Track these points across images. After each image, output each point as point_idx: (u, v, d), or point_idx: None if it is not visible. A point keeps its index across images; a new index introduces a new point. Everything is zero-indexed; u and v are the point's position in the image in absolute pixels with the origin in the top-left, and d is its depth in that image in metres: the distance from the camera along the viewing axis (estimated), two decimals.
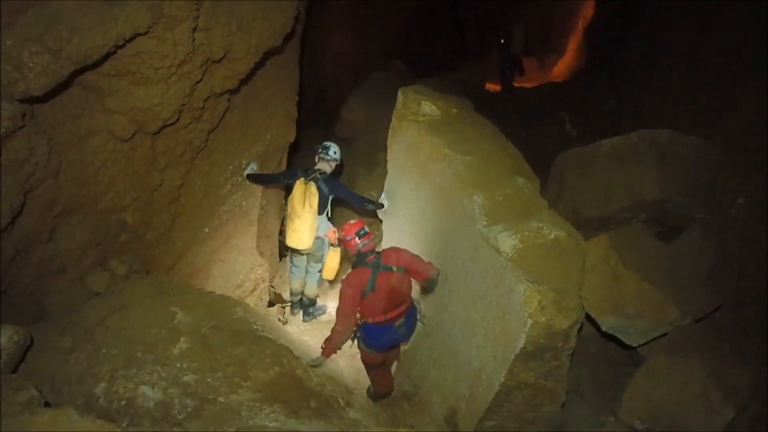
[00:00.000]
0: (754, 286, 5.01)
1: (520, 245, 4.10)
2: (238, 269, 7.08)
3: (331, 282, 6.82)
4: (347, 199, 6.01)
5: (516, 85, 13.86)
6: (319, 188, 5.69)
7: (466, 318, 4.53)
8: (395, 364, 5.54)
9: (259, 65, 5.70)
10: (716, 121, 6.26)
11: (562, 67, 16.66)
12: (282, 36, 5.41)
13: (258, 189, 6.83)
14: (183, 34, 4.43)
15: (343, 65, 12.56)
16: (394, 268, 4.60)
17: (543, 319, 3.85)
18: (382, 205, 6.01)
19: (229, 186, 6.47)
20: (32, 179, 3.95)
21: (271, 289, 7.93)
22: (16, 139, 3.70)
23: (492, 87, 14.42)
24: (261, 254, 7.45)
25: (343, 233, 4.88)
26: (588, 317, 4.68)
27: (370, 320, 4.70)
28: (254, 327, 4.42)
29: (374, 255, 4.72)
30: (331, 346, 4.69)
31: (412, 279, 4.79)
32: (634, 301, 4.57)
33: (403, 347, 5.41)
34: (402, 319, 4.78)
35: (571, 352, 4.16)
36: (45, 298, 4.56)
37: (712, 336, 4.81)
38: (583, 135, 9.69)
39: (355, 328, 4.78)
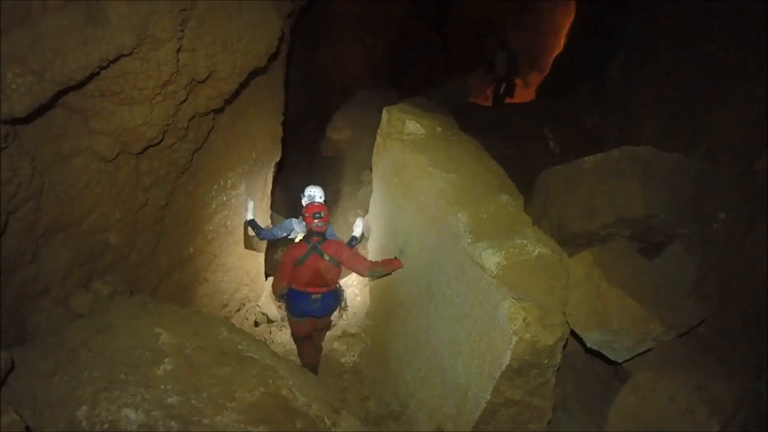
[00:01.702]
0: (737, 299, 5.05)
1: (505, 262, 4.12)
2: (223, 289, 7.06)
3: None
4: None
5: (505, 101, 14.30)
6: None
7: (452, 335, 4.53)
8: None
9: (243, 85, 5.72)
10: (697, 137, 6.33)
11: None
12: (267, 56, 5.44)
13: (243, 208, 6.82)
14: (167, 55, 4.44)
15: (329, 83, 12.62)
16: (326, 257, 5.24)
17: (528, 335, 3.86)
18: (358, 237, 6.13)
19: (214, 205, 6.46)
20: (15, 200, 3.92)
21: (257, 308, 7.90)
22: None
23: (482, 102, 14.91)
24: (247, 273, 7.43)
25: (305, 209, 5.48)
26: (573, 333, 4.70)
27: (293, 286, 5.36)
28: (239, 347, 4.39)
29: (319, 238, 5.32)
30: (274, 293, 5.60)
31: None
32: (619, 317, 4.60)
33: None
34: (319, 296, 5.41)
35: (556, 369, 4.17)
36: (27, 320, 4.51)
37: (697, 350, 4.85)
38: (566, 152, 9.76)
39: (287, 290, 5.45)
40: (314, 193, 5.99)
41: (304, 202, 5.99)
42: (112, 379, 3.78)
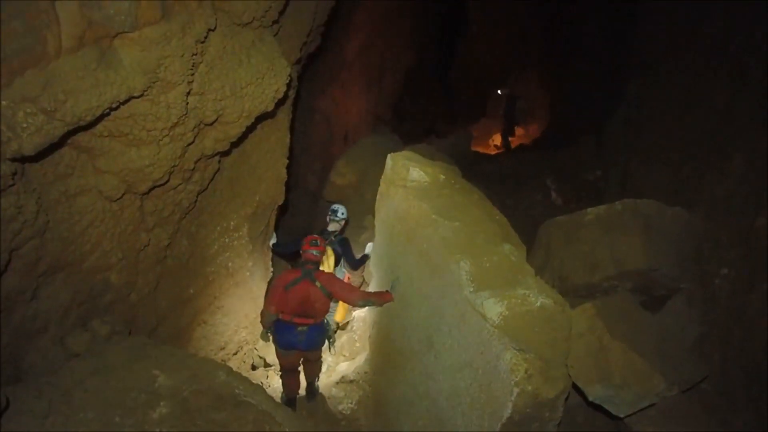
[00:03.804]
0: (739, 356, 5.00)
1: (507, 312, 4.08)
2: (222, 331, 7.00)
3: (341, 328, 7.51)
4: (348, 262, 6.79)
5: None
6: (334, 250, 6.63)
7: (452, 385, 4.47)
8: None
9: (250, 128, 5.78)
10: (698, 193, 6.36)
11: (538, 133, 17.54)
12: (274, 101, 5.51)
13: (245, 250, 6.83)
14: (177, 98, 4.50)
15: (334, 129, 12.77)
16: (318, 285, 5.31)
17: (529, 388, 3.82)
18: (368, 256, 6.73)
19: (216, 247, 6.46)
20: (18, 237, 3.93)
21: (255, 352, 7.83)
22: (4, 198, 3.69)
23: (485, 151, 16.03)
24: (245, 316, 7.39)
25: (304, 240, 5.63)
26: (574, 386, 4.64)
27: (280, 315, 5.41)
28: (236, 391, 4.34)
29: (313, 266, 5.48)
30: (262, 321, 5.62)
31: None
32: (621, 371, 4.55)
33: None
34: (305, 328, 5.44)
35: (557, 423, 4.11)
36: (23, 359, 4.46)
37: (698, 408, 4.79)
38: (568, 203, 9.81)
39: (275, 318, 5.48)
40: (337, 208, 6.90)
41: (328, 218, 6.83)
42: (106, 421, 3.73)
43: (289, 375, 5.93)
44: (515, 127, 16.07)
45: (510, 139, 15.88)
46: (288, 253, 7.22)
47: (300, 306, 5.36)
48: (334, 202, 9.50)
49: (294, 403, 5.99)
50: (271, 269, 7.93)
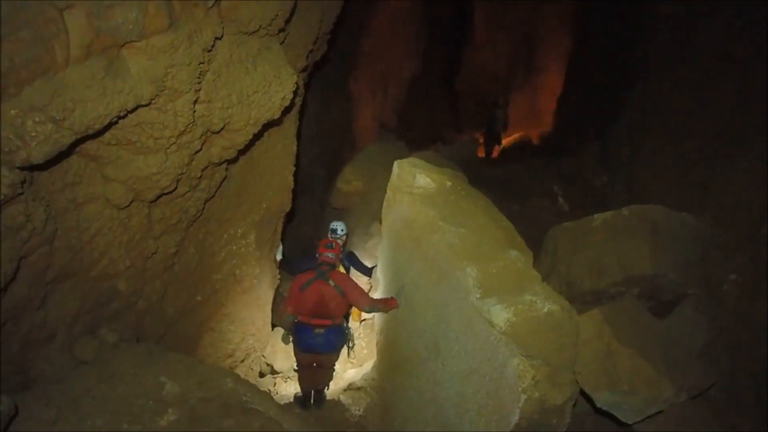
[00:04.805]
0: (747, 362, 4.98)
1: (514, 318, 4.07)
2: (229, 338, 7.01)
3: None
4: (358, 270, 6.84)
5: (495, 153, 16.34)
6: (342, 265, 6.55)
7: (459, 392, 4.46)
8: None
9: (257, 136, 5.80)
10: (706, 198, 6.35)
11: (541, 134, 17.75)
12: (281, 109, 5.52)
13: (252, 258, 6.84)
14: (184, 106, 4.52)
15: (340, 136, 12.79)
16: (332, 283, 5.44)
17: (537, 394, 3.80)
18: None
19: (223, 254, 6.48)
20: (27, 246, 3.95)
21: (263, 359, 7.83)
22: (13, 206, 3.72)
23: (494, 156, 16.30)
24: (252, 324, 7.40)
25: (320, 243, 5.84)
26: (582, 393, 4.62)
27: (298, 317, 5.54)
28: (243, 399, 4.35)
29: (327, 267, 5.62)
30: (280, 323, 5.73)
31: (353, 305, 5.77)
32: (629, 378, 4.52)
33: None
34: (322, 330, 5.54)
35: (565, 429, 4.09)
36: (32, 366, 4.48)
37: (708, 414, 4.76)
38: (575, 209, 9.78)
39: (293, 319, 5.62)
40: (336, 227, 6.96)
41: (329, 237, 6.78)
42: (114, 428, 3.74)
43: (305, 370, 6.00)
44: (500, 136, 16.21)
45: (496, 147, 16.02)
46: (295, 273, 7.09)
47: (316, 306, 5.44)
48: (340, 209, 9.55)
49: (309, 398, 6.10)
50: (278, 277, 7.93)
